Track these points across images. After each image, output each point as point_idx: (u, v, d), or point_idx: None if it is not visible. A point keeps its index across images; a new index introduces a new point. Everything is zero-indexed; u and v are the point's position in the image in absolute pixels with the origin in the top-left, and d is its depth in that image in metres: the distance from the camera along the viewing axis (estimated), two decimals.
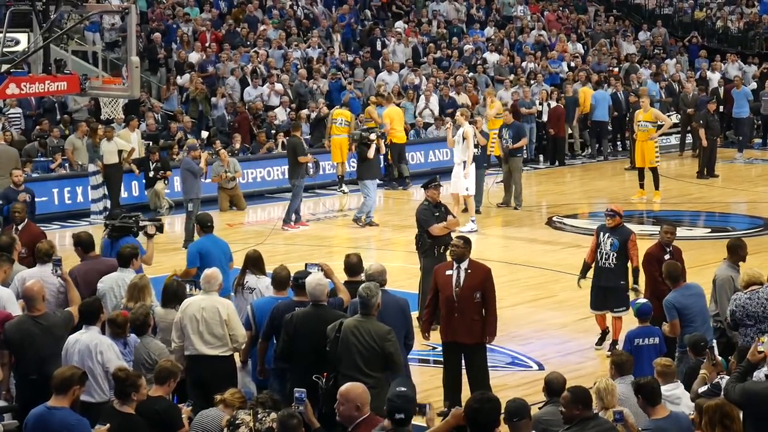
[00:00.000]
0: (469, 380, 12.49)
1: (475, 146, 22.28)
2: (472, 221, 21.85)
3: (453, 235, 15.86)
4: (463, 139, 21.67)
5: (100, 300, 11.27)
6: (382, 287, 10.96)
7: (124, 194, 24.55)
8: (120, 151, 23.76)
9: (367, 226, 22.41)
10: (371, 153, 22.43)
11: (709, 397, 9.26)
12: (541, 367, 14.06)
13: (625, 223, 14.76)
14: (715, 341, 11.18)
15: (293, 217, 22.54)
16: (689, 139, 31.71)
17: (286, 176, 26.51)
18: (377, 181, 23.29)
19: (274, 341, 10.87)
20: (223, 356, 10.98)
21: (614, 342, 14.36)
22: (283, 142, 27.59)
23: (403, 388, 8.45)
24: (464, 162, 21.72)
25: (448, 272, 12.44)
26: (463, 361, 12.55)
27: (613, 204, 15.22)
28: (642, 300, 12.48)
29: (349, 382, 8.47)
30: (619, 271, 14.32)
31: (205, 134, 27.58)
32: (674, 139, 32.92)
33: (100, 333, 10.47)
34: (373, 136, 22.41)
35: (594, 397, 9.31)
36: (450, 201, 21.46)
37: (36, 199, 20.85)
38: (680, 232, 14.30)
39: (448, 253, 12.93)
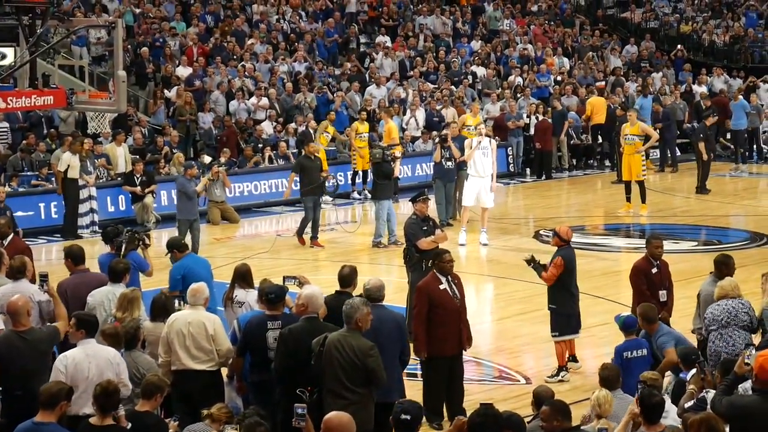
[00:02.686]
0: (452, 390, 12.50)
1: (449, 159, 22.44)
2: (464, 231, 22.04)
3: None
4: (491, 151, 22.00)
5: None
6: (380, 302, 10.96)
7: (110, 208, 24.51)
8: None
9: (393, 245, 21.50)
10: (398, 170, 22.07)
11: (695, 411, 9.27)
12: (528, 381, 14.05)
13: (571, 245, 14.35)
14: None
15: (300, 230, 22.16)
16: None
17: (273, 190, 26.67)
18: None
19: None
20: (209, 371, 10.97)
21: (559, 368, 14.14)
22: (270, 156, 27.62)
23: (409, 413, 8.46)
24: (492, 174, 21.97)
25: (442, 286, 12.43)
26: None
27: (562, 225, 15.14)
28: (625, 313, 12.48)
29: (333, 412, 8.37)
30: (550, 294, 14.15)
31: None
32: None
33: None
34: (398, 153, 22.00)
35: (591, 405, 9.43)
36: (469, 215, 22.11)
37: (22, 214, 20.84)
38: (667, 245, 14.23)
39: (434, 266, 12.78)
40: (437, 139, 23.79)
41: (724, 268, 12.77)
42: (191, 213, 20.38)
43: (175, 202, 21.35)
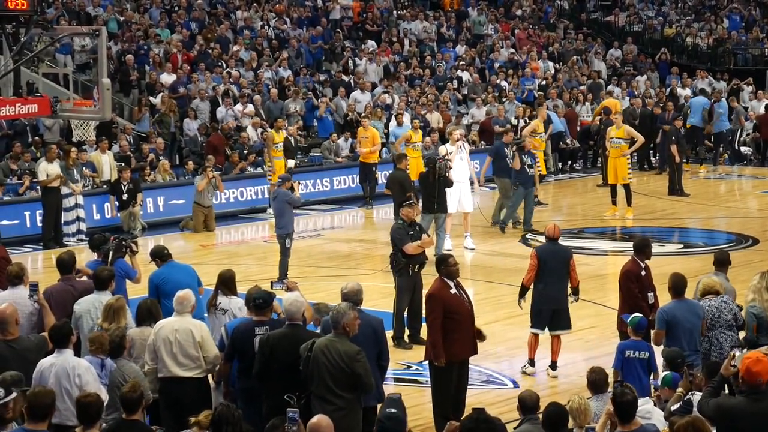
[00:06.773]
0: (457, 394, 12.48)
1: (531, 165, 23.25)
2: (467, 236, 22.20)
3: (428, 253, 15.95)
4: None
5: (69, 323, 11.21)
6: (358, 306, 10.92)
7: (96, 216, 24.44)
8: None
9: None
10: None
11: (681, 414, 9.28)
12: (515, 385, 14.05)
13: (560, 242, 14.77)
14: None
15: None
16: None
17: (259, 196, 26.61)
18: None
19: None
20: (197, 378, 10.94)
21: (528, 360, 14.51)
22: (256, 162, 27.58)
23: (393, 410, 8.43)
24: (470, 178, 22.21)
25: (453, 291, 12.30)
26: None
27: (552, 222, 15.40)
28: (638, 314, 12.49)
29: (317, 416, 8.41)
30: None
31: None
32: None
33: (74, 355, 10.43)
34: (451, 164, 21.75)
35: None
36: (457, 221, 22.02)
37: (7, 222, 20.73)
38: (653, 248, 14.23)
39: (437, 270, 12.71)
40: (514, 147, 23.76)
41: (724, 262, 13.16)
42: (293, 225, 19.50)
43: (276, 217, 19.56)
